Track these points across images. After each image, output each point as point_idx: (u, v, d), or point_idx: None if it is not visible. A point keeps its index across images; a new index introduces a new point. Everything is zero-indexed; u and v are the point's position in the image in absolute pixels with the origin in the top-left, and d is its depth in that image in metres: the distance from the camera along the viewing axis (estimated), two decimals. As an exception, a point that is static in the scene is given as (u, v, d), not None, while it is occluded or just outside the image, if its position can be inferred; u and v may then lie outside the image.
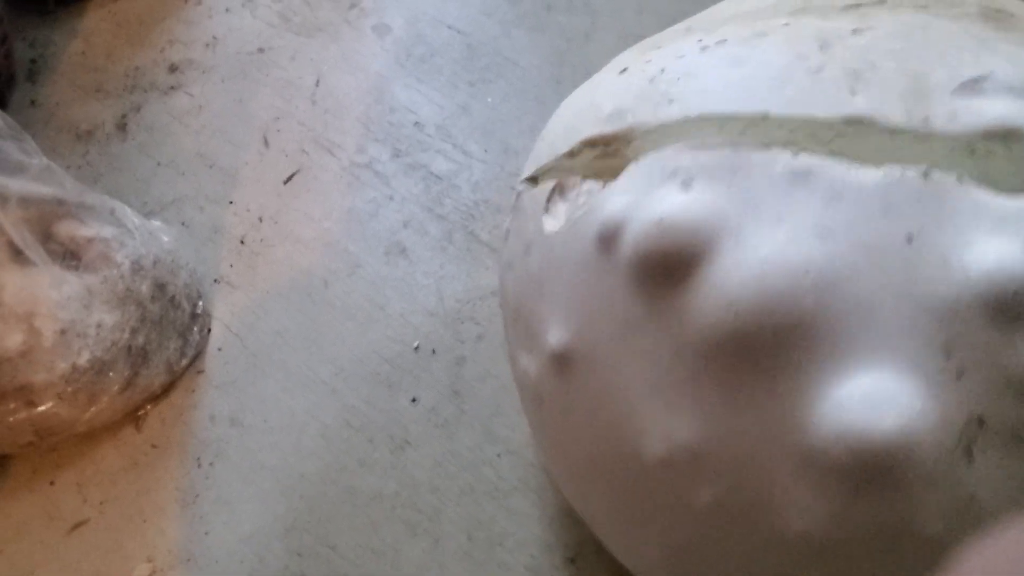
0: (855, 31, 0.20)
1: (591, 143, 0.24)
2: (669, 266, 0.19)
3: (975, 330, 0.16)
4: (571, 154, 0.25)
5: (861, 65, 0.19)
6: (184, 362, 0.38)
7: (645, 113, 0.22)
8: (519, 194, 0.28)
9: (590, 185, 0.22)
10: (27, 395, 0.31)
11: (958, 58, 0.19)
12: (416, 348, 0.39)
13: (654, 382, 0.20)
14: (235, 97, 0.49)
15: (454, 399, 0.38)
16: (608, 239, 0.21)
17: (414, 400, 0.38)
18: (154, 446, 0.36)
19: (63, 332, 0.31)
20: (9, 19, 0.50)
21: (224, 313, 0.40)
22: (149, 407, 0.37)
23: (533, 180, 0.28)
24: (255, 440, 0.37)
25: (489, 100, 0.48)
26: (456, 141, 0.47)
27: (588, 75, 0.28)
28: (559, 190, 0.24)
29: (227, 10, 0.53)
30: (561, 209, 0.23)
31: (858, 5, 0.21)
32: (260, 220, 0.44)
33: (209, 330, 0.40)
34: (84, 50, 0.52)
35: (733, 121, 0.20)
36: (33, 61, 0.52)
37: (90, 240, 0.33)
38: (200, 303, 0.39)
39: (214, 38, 0.52)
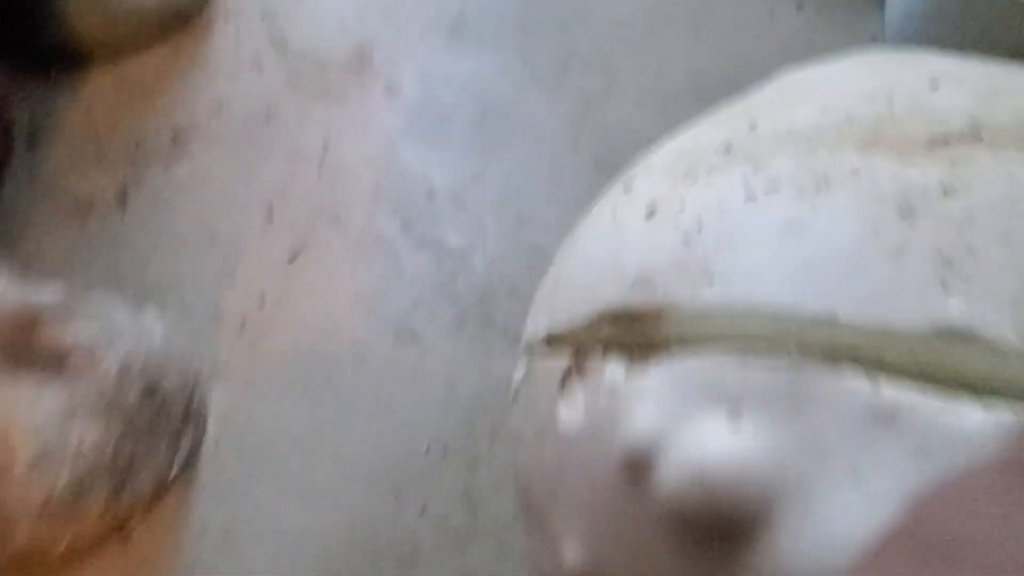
0: (946, 191, 0.15)
1: (613, 317, 0.19)
2: (715, 529, 0.15)
3: None
4: (590, 327, 0.20)
5: (956, 250, 0.14)
6: (175, 469, 0.35)
7: (680, 290, 0.17)
8: (531, 353, 0.24)
9: (614, 371, 0.18)
10: (-1, 523, 0.28)
11: None
12: (427, 450, 0.36)
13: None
14: (240, 166, 0.47)
15: (467, 507, 0.34)
16: (636, 468, 0.17)
17: (424, 509, 0.34)
18: (142, 563, 0.34)
19: (40, 455, 0.28)
20: (9, 85, 0.48)
21: (220, 408, 0.38)
22: (136, 521, 0.34)
23: (547, 340, 0.24)
24: (250, 556, 0.34)
25: (504, 167, 0.45)
26: (470, 212, 0.44)
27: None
28: (578, 369, 0.20)
29: (233, 75, 0.51)
30: (579, 396, 0.19)
31: (947, 141, 0.17)
32: (262, 301, 0.41)
33: (204, 430, 0.37)
34: (85, 117, 0.50)
35: (788, 322, 0.16)
36: (32, 129, 0.50)
37: (74, 346, 0.30)
38: (194, 400, 0.36)
39: (220, 104, 0.50)
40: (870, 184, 0.16)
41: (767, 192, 0.17)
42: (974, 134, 0.16)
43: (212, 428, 0.37)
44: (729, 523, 0.15)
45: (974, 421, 0.14)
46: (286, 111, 0.49)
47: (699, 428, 0.16)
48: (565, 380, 0.20)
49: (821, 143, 0.17)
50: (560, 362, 0.20)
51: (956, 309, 0.14)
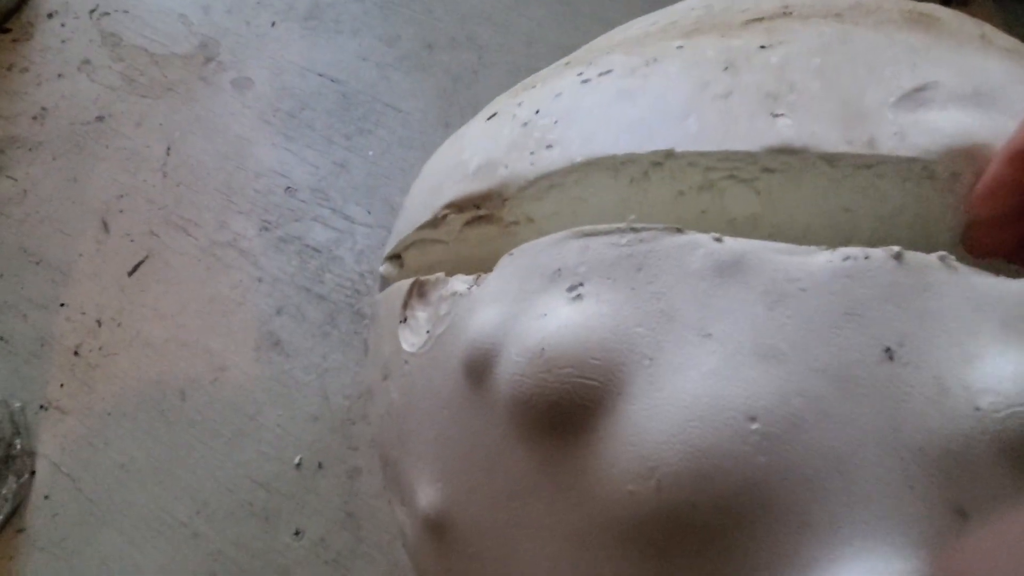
0: (763, 47, 0.16)
1: (457, 206, 0.19)
2: (560, 415, 0.13)
3: (994, 481, 0.11)
4: (434, 222, 0.19)
5: (779, 87, 0.15)
6: (-6, 524, 0.30)
7: (519, 163, 0.17)
8: (379, 286, 0.22)
9: (456, 285, 0.17)
10: None
11: (892, 70, 0.16)
12: (298, 464, 0.32)
13: (553, 570, 0.14)
14: (68, 176, 0.41)
15: (348, 525, 0.31)
16: (478, 369, 0.15)
17: (297, 533, 0.31)
18: (-43, 642, 0.28)
19: None
20: None
21: (53, 448, 0.33)
22: (-51, 590, 0.29)
23: (396, 259, 0.22)
24: (93, 615, 0.29)
25: (370, 154, 0.42)
26: (335, 205, 0.40)
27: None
28: (418, 290, 0.18)
29: (59, 75, 0.45)
30: (421, 318, 0.18)
31: (760, 19, 0.16)
32: (99, 324, 0.36)
33: (32, 473, 0.32)
34: None
35: (631, 164, 0.16)
36: None
37: None
38: (17, 442, 0.31)
39: (43, 109, 0.44)
40: (695, 54, 0.16)
41: (600, 76, 0.17)
42: (784, 12, 0.16)
43: (43, 472, 0.32)
44: (572, 406, 0.13)
45: (821, 261, 0.13)
46: (121, 113, 0.44)
47: (537, 309, 0.14)
48: (407, 306, 0.18)
49: (649, 40, 0.17)
50: (400, 287, 0.19)
51: (786, 130, 0.15)
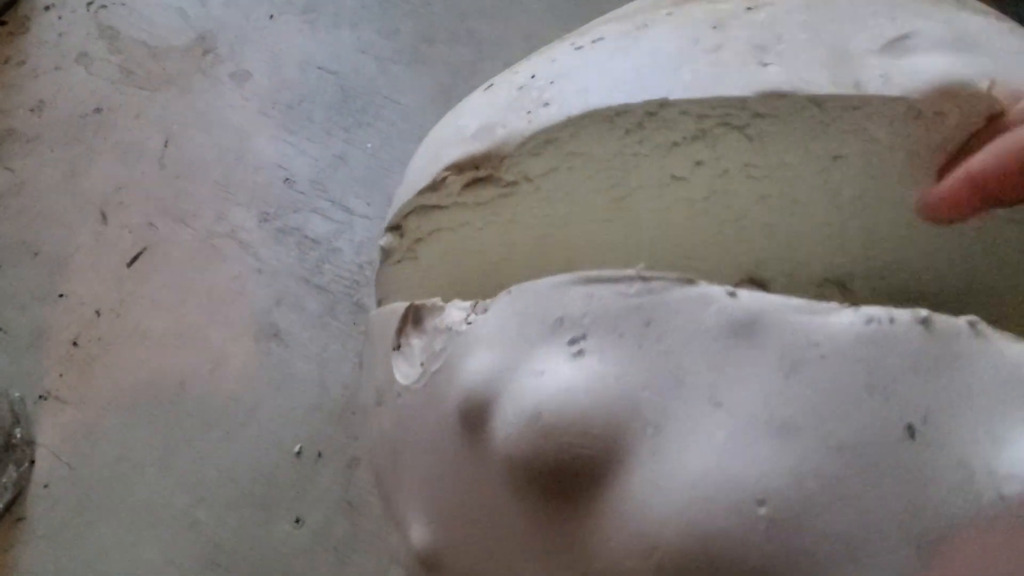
0: (750, 9, 0.17)
1: (457, 167, 0.19)
2: (557, 482, 0.13)
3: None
4: (434, 186, 0.20)
5: (766, 39, 0.16)
6: (-6, 512, 0.30)
7: (517, 121, 0.18)
8: (380, 258, 0.22)
9: (452, 314, 0.16)
10: None
11: (875, 22, 0.16)
12: (298, 453, 0.32)
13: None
14: (66, 168, 0.41)
15: (348, 513, 0.31)
16: (472, 419, 0.15)
17: (298, 521, 0.31)
18: (-44, 630, 0.28)
19: None
20: None
21: (52, 437, 0.33)
22: (-52, 578, 0.29)
23: (396, 229, 0.22)
24: (93, 603, 0.29)
25: (369, 146, 0.42)
26: (333, 196, 0.40)
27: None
28: (413, 316, 0.18)
29: (57, 68, 0.45)
30: (416, 348, 0.17)
31: None
32: (98, 314, 0.36)
33: (32, 462, 0.32)
34: None
35: (625, 115, 0.16)
36: None
37: None
38: (17, 431, 0.31)
39: (41, 101, 0.44)
40: (684, 18, 0.17)
41: (593, 43, 0.18)
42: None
43: (42, 462, 0.32)
44: (572, 469, 0.13)
45: (843, 322, 0.12)
46: (119, 105, 0.44)
47: (536, 362, 0.14)
48: (401, 332, 0.18)
49: (639, 13, 0.17)
50: (394, 310, 0.18)
51: (775, 75, 0.15)
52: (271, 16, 0.47)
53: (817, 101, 0.15)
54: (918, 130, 0.16)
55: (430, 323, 0.17)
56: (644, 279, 0.14)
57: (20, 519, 0.31)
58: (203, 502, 0.31)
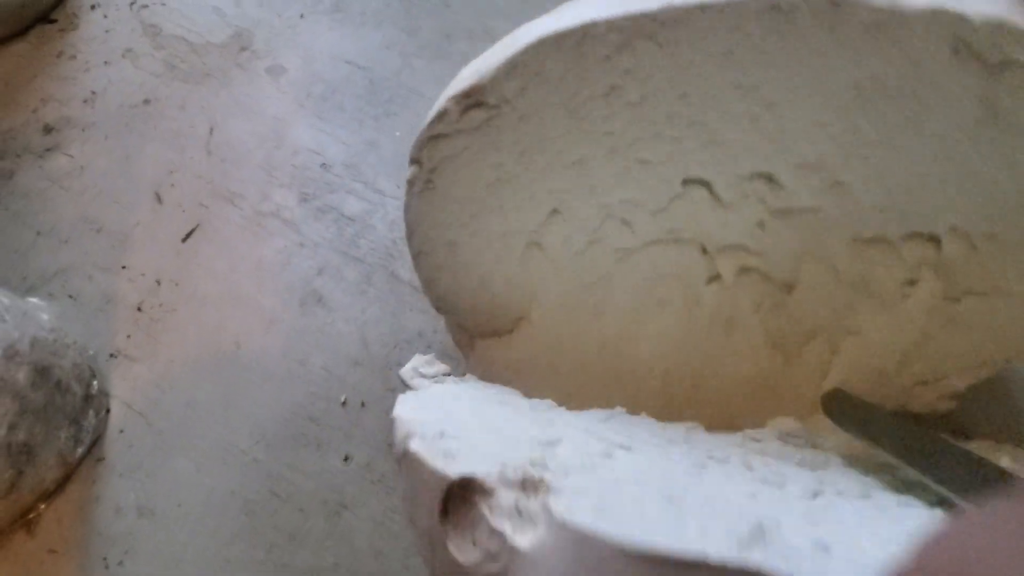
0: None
1: (455, 98, 0.24)
2: None
3: None
4: (439, 116, 0.24)
5: None
6: (79, 451, 0.33)
7: (495, 56, 0.24)
8: (406, 191, 0.27)
9: (502, 501, 0.16)
10: None
11: None
12: (344, 403, 0.36)
13: None
14: (121, 154, 0.45)
15: (390, 453, 0.35)
16: None
17: (346, 459, 0.35)
18: (51, 551, 0.32)
19: (-77, 437, 0.27)
20: None
21: (124, 390, 0.36)
22: (42, 507, 0.33)
23: (415, 163, 0.27)
24: (169, 529, 0.33)
25: (397, 134, 0.46)
26: (366, 179, 0.44)
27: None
28: (465, 505, 0.17)
29: (105, 63, 0.49)
30: (468, 544, 0.17)
31: None
32: (158, 283, 0.40)
33: (108, 411, 0.36)
34: (-57, 117, 0.47)
35: (565, 36, 0.23)
36: None
37: (-49, 328, 0.29)
38: (94, 383, 0.35)
39: (93, 93, 0.48)
40: None
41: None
42: None
43: (117, 410, 0.36)
44: None
45: None
46: (165, 97, 0.48)
47: None
48: (445, 511, 0.17)
49: None
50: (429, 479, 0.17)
51: None
52: (301, 15, 0.51)
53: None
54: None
55: (483, 528, 0.16)
56: None
57: (100, 459, 0.34)
58: (262, 442, 0.35)
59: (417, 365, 0.32)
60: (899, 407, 0.33)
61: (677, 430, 0.27)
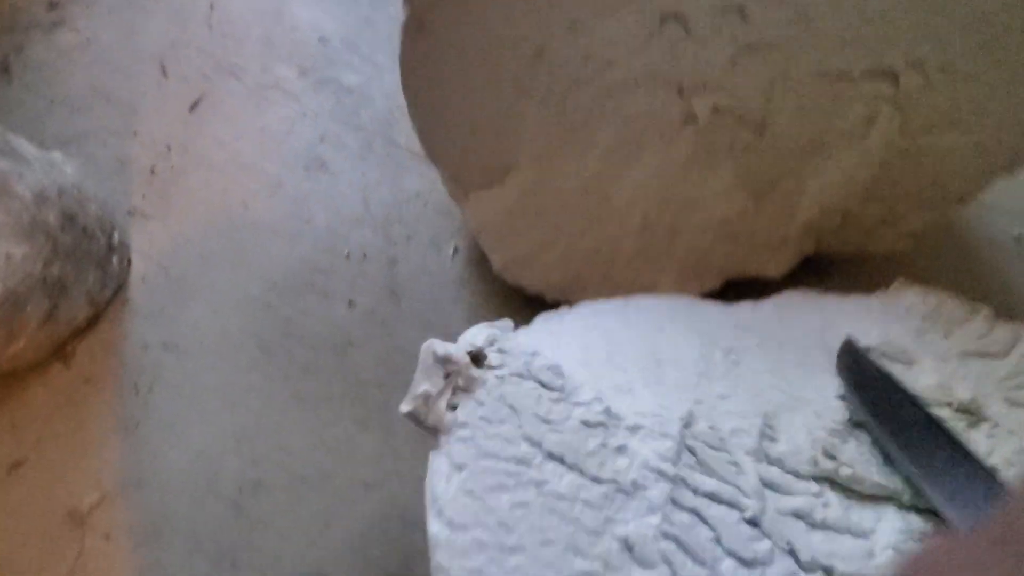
0: None
1: None
2: None
3: None
4: None
5: None
6: (107, 293, 0.36)
7: None
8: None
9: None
10: (-62, 335, 0.29)
11: None
12: (347, 256, 0.39)
13: None
14: (125, 28, 0.46)
15: (391, 299, 0.38)
16: None
17: (351, 304, 0.38)
18: (87, 380, 0.35)
19: (-32, 265, 0.29)
20: None
21: (143, 244, 0.39)
22: (76, 342, 0.36)
23: (407, 3, 0.29)
24: (192, 362, 0.36)
25: (391, 11, 0.47)
26: (363, 54, 0.46)
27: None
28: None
29: (103, -60, 0.50)
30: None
31: None
32: (168, 149, 0.42)
33: (129, 261, 0.38)
34: (-52, -6, 0.48)
35: None
36: None
37: (-17, 170, 0.31)
38: (115, 234, 0.38)
39: (93, -30, 0.49)
40: None
41: None
42: None
43: (137, 261, 0.39)
44: None
45: None
46: (165, -27, 0.48)
47: None
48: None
49: None
50: None
51: None
52: None
53: None
54: None
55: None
56: None
57: (125, 303, 0.37)
58: (273, 290, 0.38)
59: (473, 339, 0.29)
60: (861, 248, 0.36)
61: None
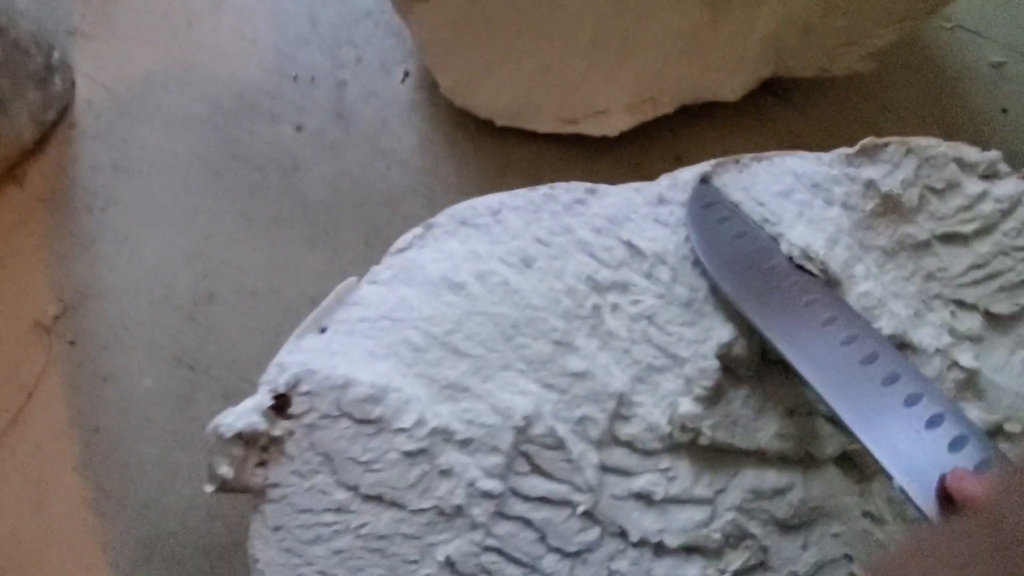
0: None
1: None
2: None
3: None
4: None
5: None
6: (51, 114, 0.36)
7: None
8: None
9: None
10: None
11: None
12: (295, 78, 0.38)
13: None
14: None
15: (339, 122, 0.37)
16: None
17: (299, 128, 0.37)
18: (41, 200, 0.36)
19: None
20: None
21: (86, 65, 0.38)
22: (27, 164, 0.36)
23: None
24: (143, 182, 0.36)
25: None
26: None
27: None
28: None
29: None
30: None
31: None
32: (106, -33, 0.40)
33: (73, 83, 0.38)
34: None
35: None
36: None
37: None
38: (55, 54, 0.37)
39: None
40: None
41: None
42: None
43: (82, 83, 0.38)
44: None
45: None
46: None
47: None
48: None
49: None
50: None
51: None
52: None
53: None
54: None
55: None
56: None
57: (73, 126, 0.37)
58: (219, 112, 0.37)
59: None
60: (822, 70, 0.34)
61: None
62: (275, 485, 0.23)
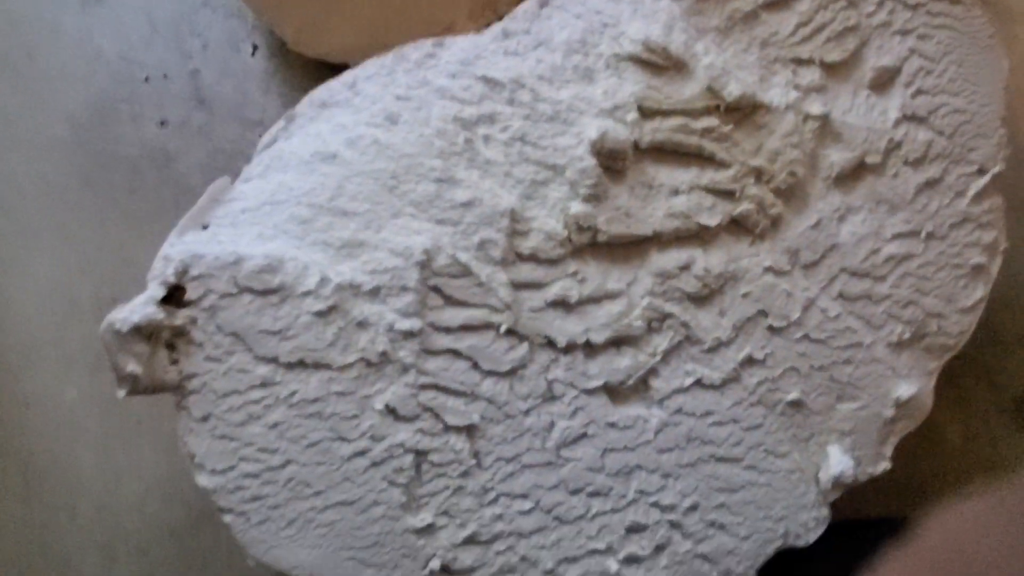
0: None
1: None
2: None
3: None
4: None
5: None
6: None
7: None
8: None
9: None
10: None
11: None
12: (147, 79, 0.39)
13: None
14: None
15: (201, 108, 0.38)
16: None
17: (163, 123, 0.38)
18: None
19: None
20: None
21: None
22: None
23: None
24: (20, 212, 0.36)
25: None
26: None
27: None
28: None
29: None
30: None
31: None
32: (-70, 21, 0.40)
33: (-75, 139, 0.37)
34: None
35: None
36: None
37: None
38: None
39: None
40: None
41: None
42: None
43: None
44: None
45: None
46: None
47: None
48: None
49: None
50: None
51: None
52: None
53: None
54: None
55: None
56: None
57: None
58: (81, 128, 0.37)
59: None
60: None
61: None
62: (192, 376, 0.23)
